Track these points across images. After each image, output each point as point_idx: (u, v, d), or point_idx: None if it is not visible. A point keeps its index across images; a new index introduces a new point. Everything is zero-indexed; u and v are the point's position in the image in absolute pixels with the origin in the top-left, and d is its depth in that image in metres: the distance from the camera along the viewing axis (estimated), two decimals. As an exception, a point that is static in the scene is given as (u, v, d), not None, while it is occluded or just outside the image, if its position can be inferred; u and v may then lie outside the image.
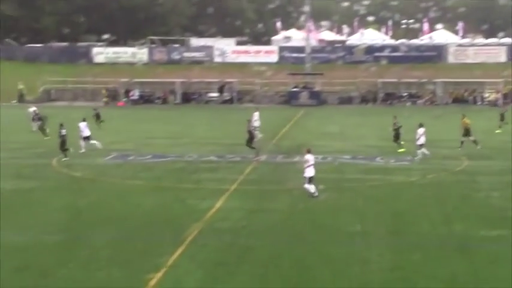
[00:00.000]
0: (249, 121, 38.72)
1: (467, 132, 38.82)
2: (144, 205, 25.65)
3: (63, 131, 36.38)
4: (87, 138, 38.44)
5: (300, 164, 29.33)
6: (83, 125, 38.64)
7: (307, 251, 19.87)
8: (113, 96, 77.43)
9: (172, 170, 33.48)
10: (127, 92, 77.58)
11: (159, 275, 17.58)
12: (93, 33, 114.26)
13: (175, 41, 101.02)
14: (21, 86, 79.63)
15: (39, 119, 47.67)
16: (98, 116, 50.18)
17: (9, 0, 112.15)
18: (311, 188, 26.30)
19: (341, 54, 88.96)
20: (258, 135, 42.46)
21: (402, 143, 38.04)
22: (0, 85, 79.23)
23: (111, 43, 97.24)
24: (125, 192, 28.11)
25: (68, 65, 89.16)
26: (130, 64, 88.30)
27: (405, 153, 36.72)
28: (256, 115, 44.15)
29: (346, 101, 73.71)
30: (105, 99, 76.08)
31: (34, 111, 49.35)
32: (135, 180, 30.41)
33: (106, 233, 21.80)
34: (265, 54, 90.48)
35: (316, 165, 26.75)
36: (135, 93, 77.20)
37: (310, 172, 26.34)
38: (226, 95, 76.26)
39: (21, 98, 78.69)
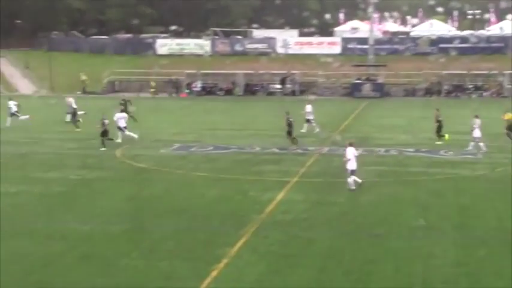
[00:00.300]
0: (288, 113, 38.60)
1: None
2: (206, 196, 25.80)
3: (106, 121, 37.16)
4: (122, 129, 38.88)
5: (362, 157, 29.11)
6: (119, 115, 39.07)
7: (368, 244, 19.71)
8: (176, 87, 78.13)
9: (234, 161, 33.58)
10: (189, 84, 78.11)
11: (221, 266, 17.65)
12: (157, 24, 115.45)
13: (238, 33, 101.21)
14: (84, 77, 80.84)
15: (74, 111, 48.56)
16: (125, 106, 47.68)
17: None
18: (350, 181, 26.15)
19: (405, 45, 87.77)
20: (315, 128, 42.35)
21: (446, 136, 37.67)
22: (66, 76, 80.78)
23: (175, 35, 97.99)
24: (187, 183, 28.31)
25: (132, 57, 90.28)
26: (194, 56, 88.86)
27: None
28: (308, 107, 43.76)
29: (410, 93, 72.72)
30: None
31: (70, 101, 50.12)
32: (198, 172, 30.59)
33: (169, 224, 21.99)
34: (328, 45, 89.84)
35: (379, 157, 26.51)
36: (198, 85, 77.65)
37: (351, 165, 26.19)
38: (289, 87, 76.04)
39: (84, 89, 79.91)
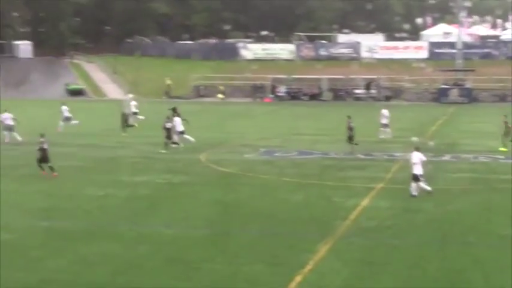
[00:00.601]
0: (349, 117, 38.15)
1: None
2: (290, 201, 25.73)
3: (168, 124, 37.86)
4: (181, 133, 39.16)
5: (449, 163, 28.52)
6: (178, 120, 39.35)
7: (455, 252, 19.23)
8: (260, 92, 78.51)
9: (319, 166, 33.42)
10: (274, 88, 78.32)
11: (305, 271, 17.53)
12: (242, 30, 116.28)
13: (322, 37, 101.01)
14: (168, 82, 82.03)
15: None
16: (174, 111, 46.64)
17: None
18: (414, 186, 25.67)
19: (498, 49, 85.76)
20: (388, 133, 41.87)
21: (504, 146, 36.81)
22: (152, 81, 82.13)
23: (260, 39, 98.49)
24: (271, 188, 28.29)
25: (217, 62, 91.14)
26: (278, 61, 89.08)
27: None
28: (384, 113, 43.26)
29: (500, 98, 70.98)
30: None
31: (131, 104, 50.87)
32: (282, 177, 30.55)
33: (253, 229, 22.00)
34: (415, 50, 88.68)
35: (467, 164, 25.89)
36: (282, 90, 77.79)
37: (416, 170, 25.71)
38: (374, 92, 75.42)
39: (168, 94, 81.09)
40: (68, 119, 47.80)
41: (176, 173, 31.50)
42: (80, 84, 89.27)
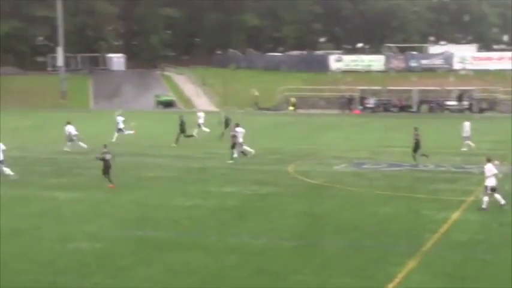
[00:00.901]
0: (416, 129, 37.40)
1: None
2: (378, 214, 25.40)
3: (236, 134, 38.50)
4: (241, 145, 39.26)
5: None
6: (239, 129, 39.37)
7: (552, 269, 18.56)
8: (349, 103, 78.10)
9: (407, 179, 32.92)
10: (363, 100, 77.75)
11: (393, 285, 17.24)
12: (331, 41, 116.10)
13: (413, 48, 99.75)
14: (256, 93, 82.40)
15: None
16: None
17: (252, 12, 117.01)
18: (485, 199, 25.19)
19: None
20: (470, 145, 41.00)
21: None
22: (241, 93, 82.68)
23: (349, 51, 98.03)
24: (359, 200, 28.02)
25: (306, 73, 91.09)
26: (367, 72, 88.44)
27: None
28: (466, 125, 42.30)
29: None
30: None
31: (199, 115, 51.30)
32: (370, 189, 30.22)
33: (340, 241, 21.81)
34: (510, 60, 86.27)
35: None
36: (371, 101, 77.13)
37: (489, 182, 25.25)
38: (466, 104, 73.82)
39: (256, 105, 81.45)
40: (120, 130, 48.15)
41: (264, 184, 31.54)
42: (170, 96, 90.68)
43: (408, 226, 23.39)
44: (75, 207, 26.46)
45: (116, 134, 47.69)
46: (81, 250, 20.42)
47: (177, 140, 45.76)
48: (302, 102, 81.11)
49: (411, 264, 18.89)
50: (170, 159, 39.57)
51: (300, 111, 78.33)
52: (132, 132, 48.31)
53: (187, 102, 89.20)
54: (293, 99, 79.49)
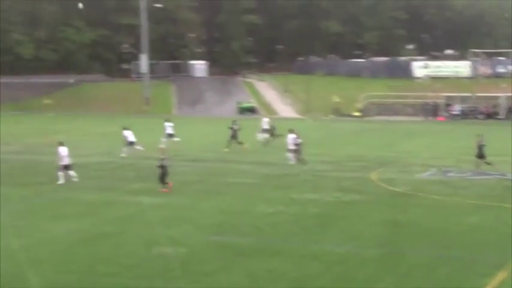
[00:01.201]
0: (479, 136, 36.39)
1: None
2: (463, 223, 24.82)
3: (299, 141, 39.00)
4: (293, 151, 39.26)
5: None
6: (291, 137, 39.12)
7: None
8: (433, 110, 76.92)
9: (495, 188, 32.09)
10: (447, 107, 76.43)
11: (480, 297, 16.80)
12: (417, 48, 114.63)
13: (501, 54, 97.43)
14: (337, 100, 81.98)
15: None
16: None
17: (334, 18, 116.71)
18: None
19: None
20: None
21: None
22: (322, 99, 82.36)
23: (433, 57, 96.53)
24: (444, 209, 27.44)
25: (388, 80, 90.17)
26: (453, 78, 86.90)
27: None
28: None
29: None
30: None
31: (264, 121, 51.16)
32: (455, 197, 29.58)
33: (424, 250, 21.38)
34: None
35: None
36: (456, 108, 75.74)
37: None
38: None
39: (337, 112, 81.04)
40: (170, 135, 48.18)
41: (346, 191, 31.26)
42: (251, 103, 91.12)
43: (496, 236, 22.76)
44: (159, 212, 26.77)
45: (164, 140, 47.18)
46: (165, 255, 20.61)
47: (229, 144, 46.30)
48: (385, 109, 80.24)
49: (501, 275, 18.34)
50: (253, 166, 39.66)
51: (383, 117, 77.49)
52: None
53: (269, 108, 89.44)
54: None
